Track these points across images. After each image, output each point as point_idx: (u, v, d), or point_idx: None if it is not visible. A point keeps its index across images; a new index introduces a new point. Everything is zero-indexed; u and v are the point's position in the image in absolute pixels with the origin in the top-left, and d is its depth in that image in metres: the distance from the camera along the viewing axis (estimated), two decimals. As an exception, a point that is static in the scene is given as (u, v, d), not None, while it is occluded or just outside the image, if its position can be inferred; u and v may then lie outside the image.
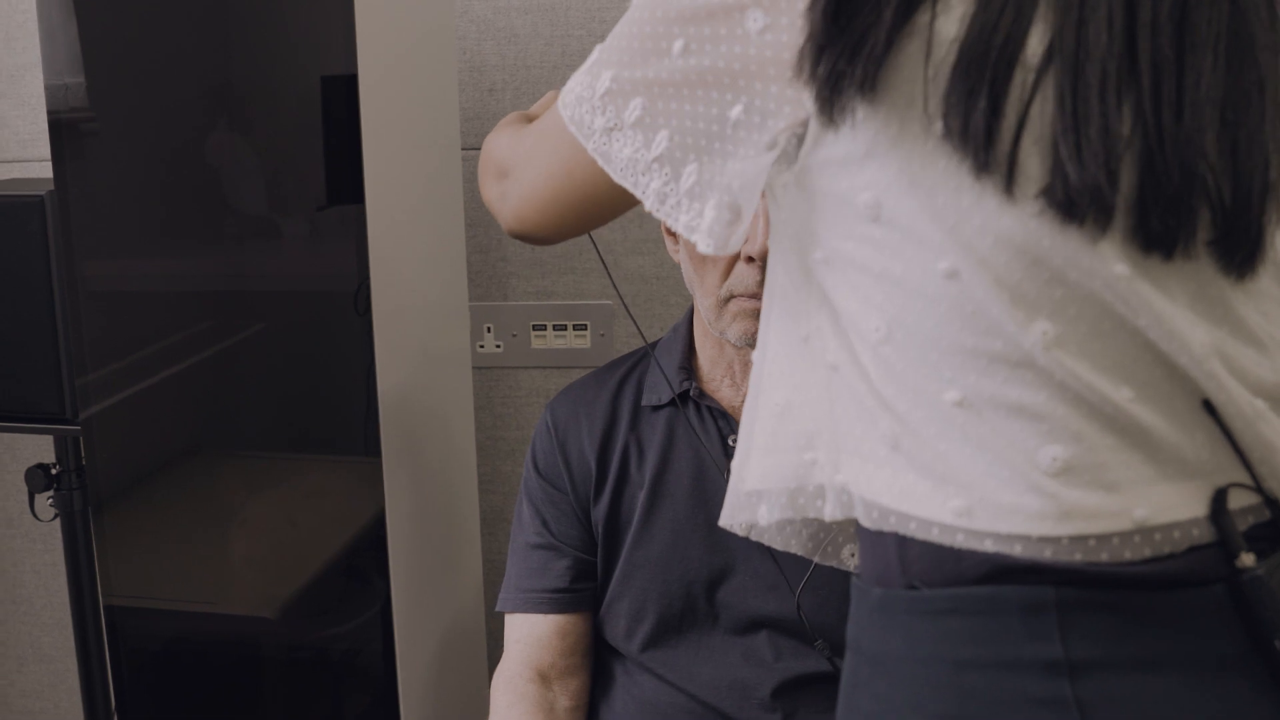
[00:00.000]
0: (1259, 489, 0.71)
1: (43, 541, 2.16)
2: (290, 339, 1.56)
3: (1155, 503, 0.69)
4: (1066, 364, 0.68)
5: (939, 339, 0.71)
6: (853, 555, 0.90)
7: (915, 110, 0.69)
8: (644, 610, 1.32)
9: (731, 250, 0.77)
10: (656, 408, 1.34)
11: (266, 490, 1.62)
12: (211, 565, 1.62)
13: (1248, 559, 0.68)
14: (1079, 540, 0.69)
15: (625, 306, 1.39)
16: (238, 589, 1.62)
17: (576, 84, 0.81)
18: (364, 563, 1.55)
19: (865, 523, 0.76)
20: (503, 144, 0.95)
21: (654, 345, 1.40)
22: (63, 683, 2.23)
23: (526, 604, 1.37)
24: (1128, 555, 0.69)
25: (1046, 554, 0.69)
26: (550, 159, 0.85)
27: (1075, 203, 0.66)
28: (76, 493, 1.79)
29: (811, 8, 0.70)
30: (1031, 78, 0.67)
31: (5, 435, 2.10)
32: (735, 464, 0.87)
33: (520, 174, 0.89)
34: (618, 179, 0.79)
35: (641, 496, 1.32)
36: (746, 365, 1.30)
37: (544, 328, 1.95)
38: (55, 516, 1.83)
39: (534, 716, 1.32)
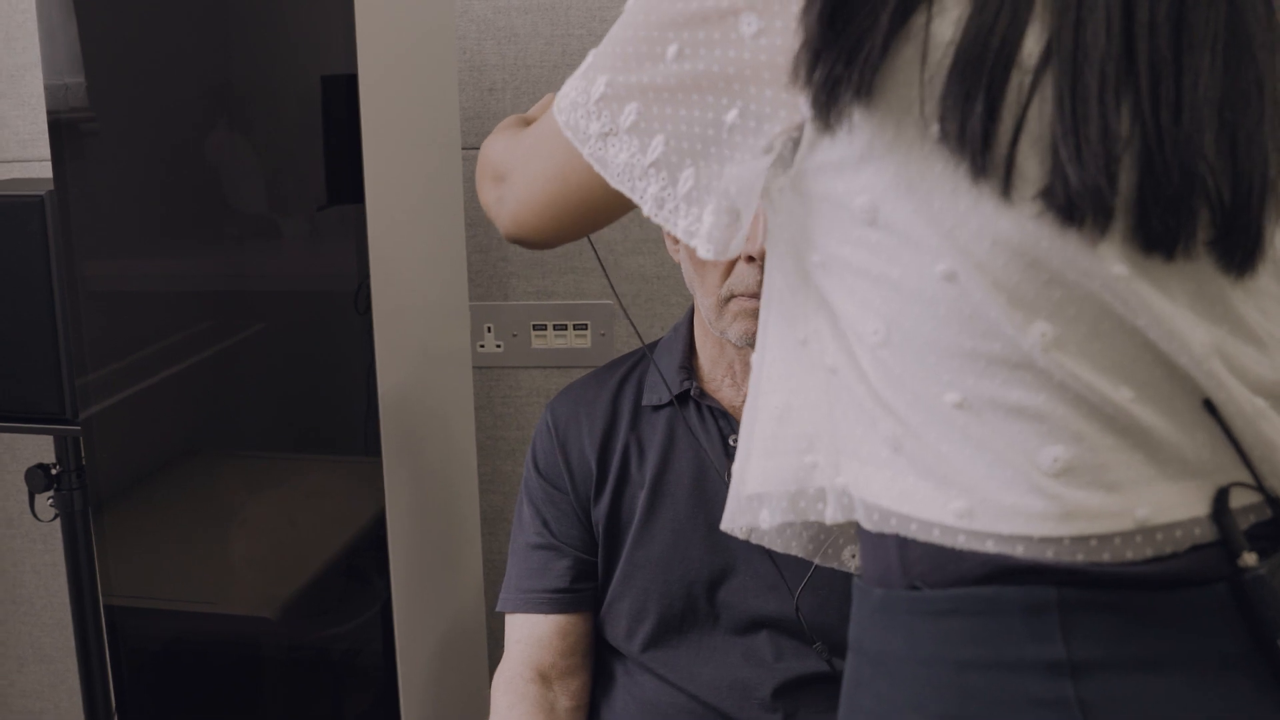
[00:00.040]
0: (1260, 488, 0.71)
1: (43, 541, 2.16)
2: (290, 339, 1.56)
3: (1157, 502, 0.69)
4: (1066, 365, 0.68)
5: (937, 342, 0.71)
6: (853, 556, 0.90)
7: (911, 114, 0.69)
8: (645, 610, 1.32)
9: (731, 255, 0.77)
10: (657, 408, 1.34)
11: (267, 490, 1.62)
12: (212, 565, 1.62)
13: (1250, 558, 0.68)
14: (1081, 540, 0.69)
15: (623, 308, 1.39)
16: (238, 589, 1.62)
17: (571, 89, 0.81)
18: (364, 563, 1.55)
19: (866, 525, 0.76)
20: (499, 148, 0.95)
21: (653, 346, 1.40)
22: (63, 683, 2.23)
23: (527, 604, 1.37)
24: (1130, 555, 0.69)
25: (1048, 554, 0.69)
26: (546, 164, 0.85)
27: (1075, 205, 0.66)
28: (77, 493, 1.79)
29: (806, 13, 0.70)
30: (1029, 80, 0.67)
31: (5, 435, 2.10)
32: (736, 467, 0.87)
33: (517, 178, 0.89)
34: (614, 184, 0.79)
35: (642, 496, 1.32)
36: (747, 365, 1.30)
37: (544, 327, 1.95)
38: (55, 516, 1.83)
39: (535, 717, 1.32)
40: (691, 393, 1.32)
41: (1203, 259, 0.70)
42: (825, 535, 0.89)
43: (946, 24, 0.68)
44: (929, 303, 0.70)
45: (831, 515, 0.79)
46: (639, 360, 1.41)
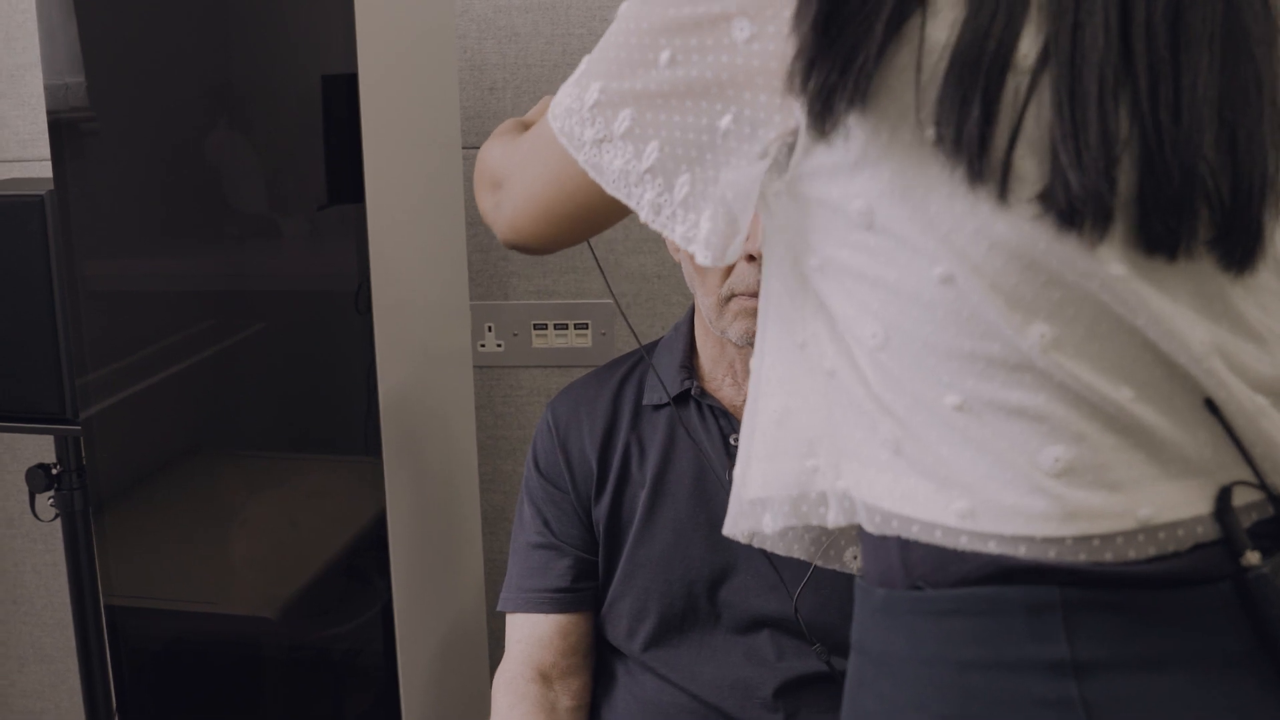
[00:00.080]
0: (1262, 485, 0.71)
1: (43, 541, 2.16)
2: (290, 339, 1.56)
3: (1159, 502, 0.69)
4: (1065, 365, 0.68)
5: (936, 344, 0.71)
6: (855, 558, 0.90)
7: (907, 118, 0.69)
8: (646, 610, 1.32)
9: (729, 260, 0.77)
10: (658, 407, 1.34)
11: (267, 490, 1.62)
12: (212, 565, 1.62)
13: (1253, 557, 0.68)
14: (1083, 541, 0.68)
15: (620, 309, 1.39)
16: (238, 589, 1.62)
17: (565, 95, 0.81)
18: (365, 562, 1.55)
19: (868, 528, 0.76)
20: (496, 154, 0.95)
21: (652, 347, 1.39)
22: (64, 683, 2.23)
23: (528, 604, 1.36)
24: (1132, 555, 0.69)
25: (1050, 555, 0.69)
26: (542, 170, 0.85)
27: (1076, 210, 0.66)
28: (77, 493, 1.79)
29: (800, 21, 0.70)
30: (1025, 82, 0.67)
31: (6, 435, 2.10)
32: (737, 472, 0.87)
33: (513, 185, 0.89)
34: (610, 191, 0.79)
35: (643, 496, 1.31)
36: (748, 364, 1.30)
37: (545, 327, 1.95)
38: (56, 516, 1.83)
39: (536, 716, 1.32)
40: (692, 392, 1.32)
41: (1203, 258, 0.70)
42: (827, 537, 0.89)
43: (941, 27, 0.67)
44: (927, 305, 0.70)
45: (833, 519, 0.79)
46: (640, 359, 1.40)
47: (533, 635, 1.36)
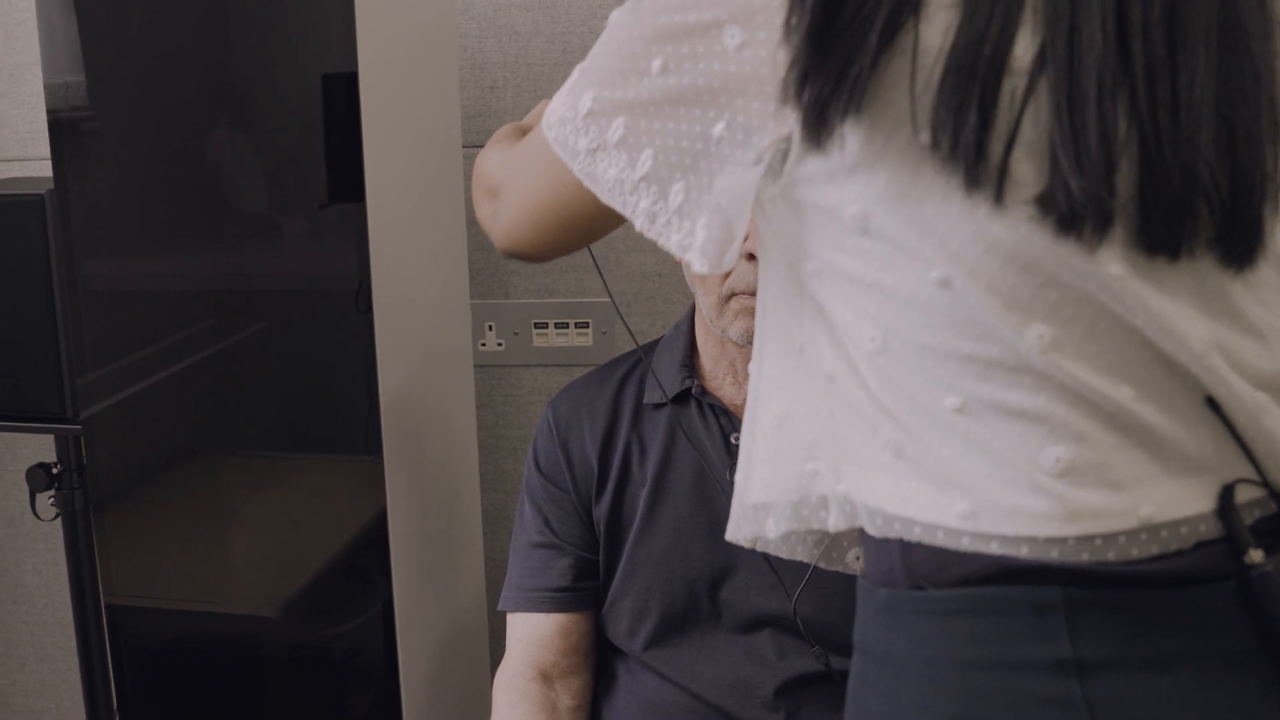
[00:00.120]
0: (1264, 483, 0.71)
1: (44, 541, 2.16)
2: (291, 338, 1.56)
3: (1161, 500, 0.69)
4: (1064, 366, 0.68)
5: (935, 347, 0.71)
6: (858, 559, 0.90)
7: (902, 123, 0.68)
8: (646, 609, 1.31)
9: (725, 268, 0.77)
10: (658, 406, 1.34)
11: (268, 489, 1.62)
12: (213, 564, 1.61)
13: (1256, 555, 0.68)
14: (1085, 540, 0.68)
15: (618, 310, 1.38)
16: (239, 588, 1.62)
17: (559, 104, 0.80)
18: (365, 562, 1.55)
19: (870, 530, 0.76)
20: (492, 163, 0.94)
21: (652, 346, 1.39)
22: (64, 682, 2.23)
23: (528, 603, 1.36)
24: (1135, 554, 0.68)
25: (1053, 555, 0.69)
26: (537, 180, 0.85)
27: (1077, 214, 0.66)
28: (78, 492, 1.79)
29: (793, 31, 0.69)
30: (1022, 87, 0.66)
31: (6, 435, 2.10)
32: (738, 477, 0.87)
33: (510, 194, 0.89)
34: (605, 200, 0.79)
35: (643, 495, 1.31)
36: (749, 363, 1.30)
37: (546, 326, 1.94)
38: (56, 516, 1.83)
39: (536, 716, 1.32)
40: (693, 391, 1.32)
41: (1204, 256, 0.70)
42: (829, 539, 0.89)
43: (935, 33, 0.67)
44: (925, 309, 0.70)
45: (834, 523, 0.79)
46: (640, 359, 1.40)
47: (533, 635, 1.36)
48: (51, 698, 2.25)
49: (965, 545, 0.70)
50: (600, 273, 1.35)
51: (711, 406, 1.31)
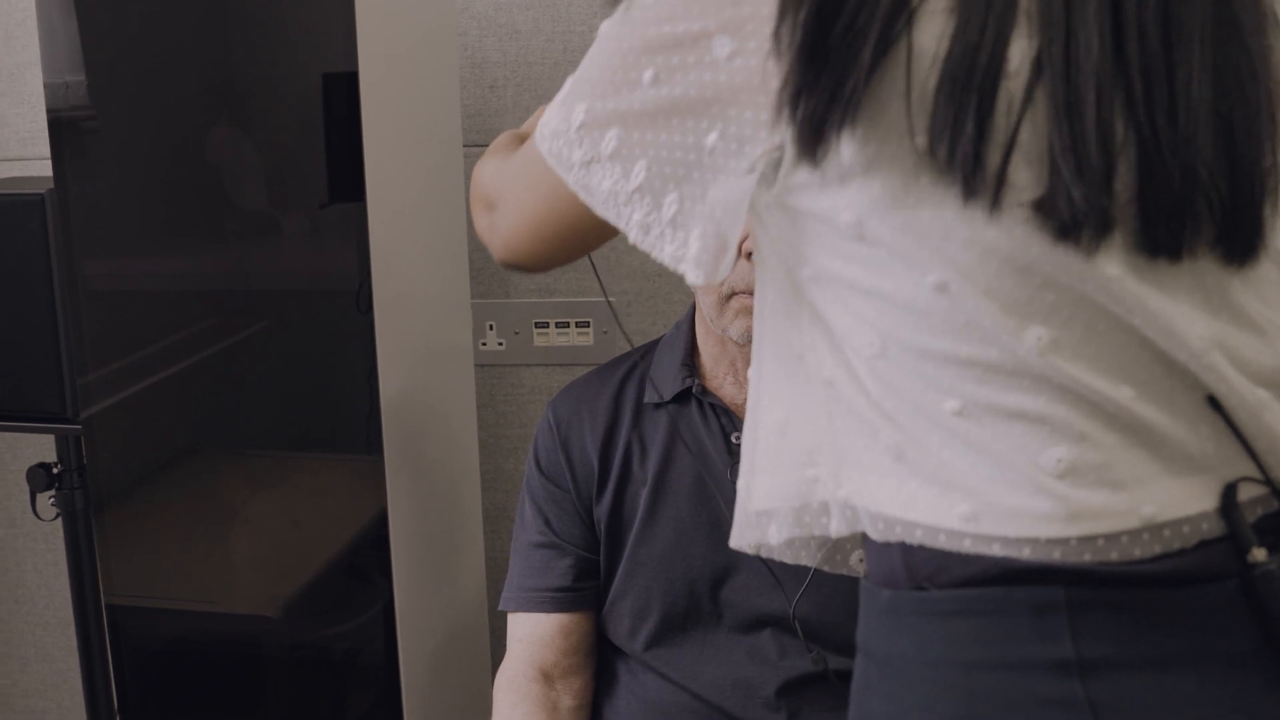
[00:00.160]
0: (1267, 480, 0.71)
1: (45, 541, 2.16)
2: (292, 337, 1.56)
3: (1163, 499, 0.69)
4: (1063, 368, 0.68)
5: (933, 352, 0.70)
6: (861, 561, 0.90)
7: (896, 132, 0.68)
8: (647, 609, 1.31)
9: (719, 279, 0.77)
10: (659, 405, 1.33)
11: (268, 489, 1.62)
12: (213, 564, 1.61)
13: (1259, 554, 0.68)
14: (1088, 540, 0.68)
15: (613, 311, 1.38)
16: (240, 588, 1.62)
17: (552, 117, 0.80)
18: (366, 561, 1.55)
19: (872, 534, 0.76)
20: (489, 174, 0.94)
21: (652, 346, 1.39)
22: (65, 682, 2.23)
23: (529, 603, 1.36)
24: (1137, 553, 0.68)
25: (1055, 555, 0.68)
26: (533, 192, 0.85)
27: (1079, 222, 0.66)
28: (78, 492, 1.79)
29: (784, 47, 0.69)
30: (1020, 95, 0.66)
31: (7, 435, 2.10)
32: (741, 484, 0.87)
33: (506, 207, 0.89)
34: (600, 212, 0.78)
35: (644, 494, 1.31)
36: (749, 362, 1.29)
37: (546, 325, 1.94)
38: (57, 516, 1.83)
39: (537, 716, 1.32)
40: (694, 390, 1.32)
41: (1205, 256, 0.70)
42: (832, 543, 0.89)
43: (928, 40, 0.67)
44: (922, 314, 0.70)
45: (836, 528, 0.79)
46: (641, 358, 1.40)
47: (534, 634, 1.35)
48: (52, 697, 2.25)
49: (967, 547, 0.70)
50: (597, 273, 1.35)
51: (712, 406, 1.31)
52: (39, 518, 1.86)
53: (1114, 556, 0.68)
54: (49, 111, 1.52)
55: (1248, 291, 0.71)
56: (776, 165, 0.73)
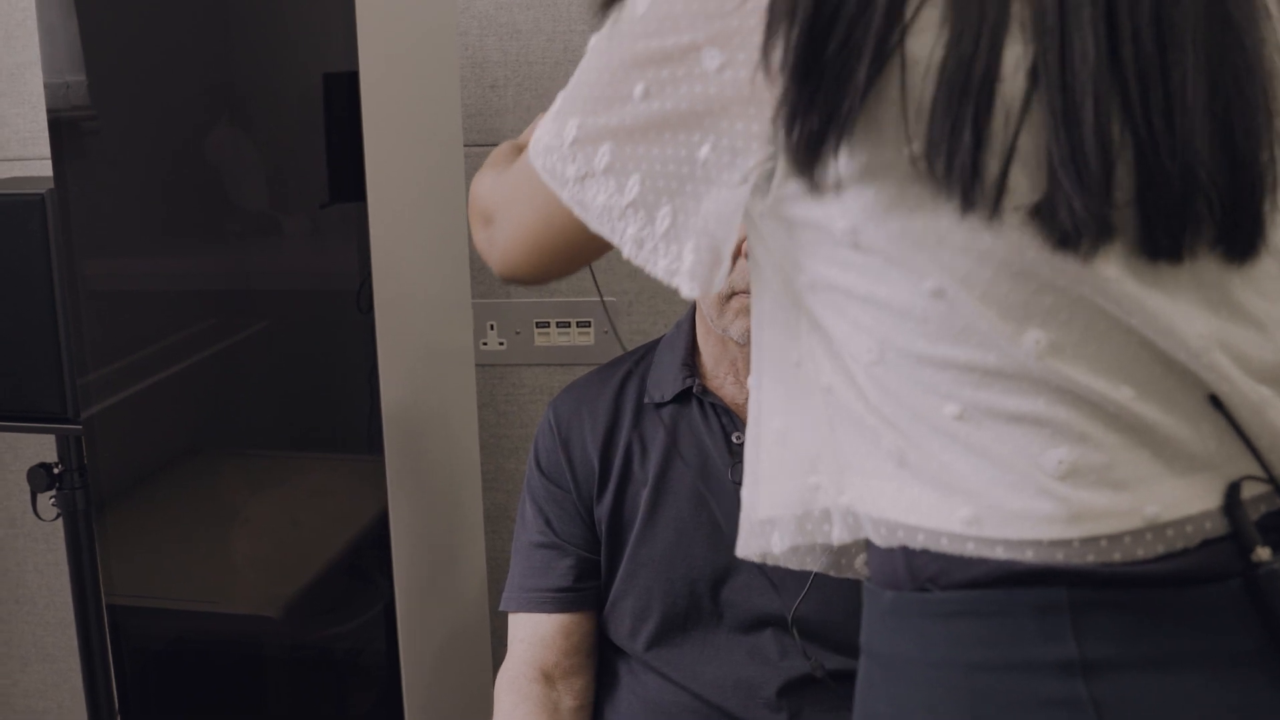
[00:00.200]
0: (1270, 478, 0.70)
1: (45, 541, 2.16)
2: (292, 337, 1.56)
3: (1165, 499, 0.69)
4: (1062, 370, 0.68)
5: (931, 357, 0.70)
6: (866, 564, 0.90)
7: (891, 142, 0.68)
8: (648, 609, 1.31)
9: (715, 290, 0.77)
10: (659, 405, 1.33)
11: (269, 489, 1.61)
12: (214, 564, 1.61)
13: (1263, 553, 0.68)
14: (1090, 542, 0.68)
15: (608, 313, 1.37)
16: (240, 588, 1.62)
17: (545, 133, 0.80)
18: (367, 561, 1.55)
19: (875, 540, 0.76)
20: (486, 189, 0.94)
21: (653, 345, 1.39)
22: (66, 682, 2.23)
23: (530, 603, 1.36)
24: (1140, 554, 0.68)
25: (1058, 557, 0.68)
26: (528, 208, 0.85)
27: (1080, 231, 0.66)
28: (79, 492, 1.79)
29: (778, 66, 0.69)
30: (1017, 105, 0.66)
31: (7, 435, 2.10)
32: (745, 493, 0.87)
33: (503, 222, 0.89)
34: (594, 227, 0.78)
35: (645, 494, 1.31)
36: (749, 362, 1.29)
37: (547, 325, 1.94)
38: (58, 516, 1.82)
39: (538, 716, 1.32)
40: (694, 390, 1.31)
41: (1205, 255, 0.70)
42: (838, 548, 0.89)
43: (922, 53, 0.66)
44: (920, 320, 0.70)
45: (838, 535, 0.79)
46: (641, 358, 1.40)
47: (535, 635, 1.35)
48: (53, 698, 2.25)
49: (970, 551, 0.70)
50: (593, 273, 1.34)
51: (713, 406, 1.31)
52: (40, 518, 1.86)
53: (1117, 557, 0.68)
54: (49, 111, 1.52)
55: (1247, 288, 0.71)
56: (769, 176, 0.73)
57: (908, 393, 0.72)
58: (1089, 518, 0.68)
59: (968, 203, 0.67)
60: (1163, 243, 0.68)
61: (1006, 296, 0.68)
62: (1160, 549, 0.68)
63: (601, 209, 0.77)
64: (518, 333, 1.95)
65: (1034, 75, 0.66)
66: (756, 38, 0.69)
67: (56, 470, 1.80)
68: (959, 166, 0.66)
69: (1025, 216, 0.67)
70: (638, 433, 1.33)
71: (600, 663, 1.39)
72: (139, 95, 1.51)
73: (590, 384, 1.40)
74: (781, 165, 0.71)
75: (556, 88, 0.82)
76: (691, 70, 0.72)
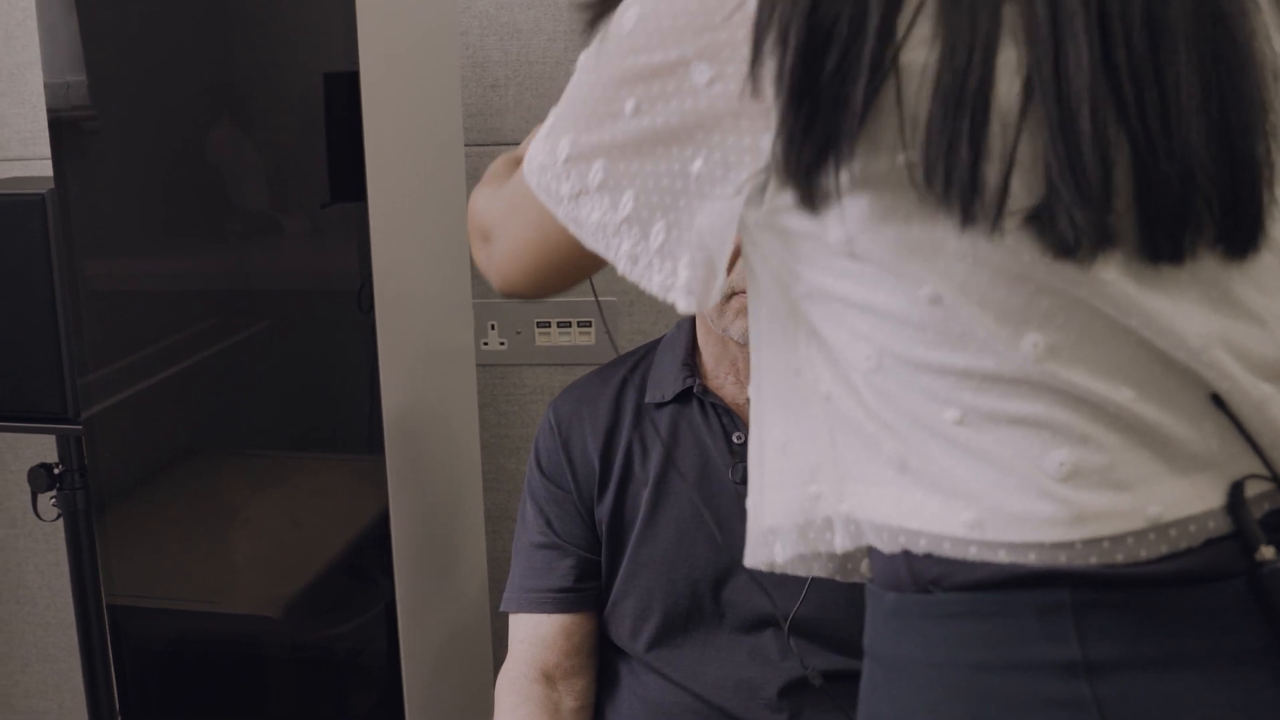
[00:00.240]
0: (1273, 476, 0.70)
1: (46, 541, 2.16)
2: (293, 337, 1.55)
3: (1168, 499, 0.69)
4: (1061, 373, 0.68)
5: (930, 363, 0.70)
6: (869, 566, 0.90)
7: (886, 151, 0.68)
8: (649, 609, 1.31)
9: (711, 304, 0.77)
10: (660, 405, 1.33)
11: (269, 489, 1.61)
12: (215, 564, 1.61)
13: (1268, 552, 0.68)
14: (1093, 543, 0.68)
15: (603, 315, 1.36)
16: (241, 588, 1.61)
17: (538, 151, 0.80)
18: (367, 562, 1.55)
19: (878, 546, 0.76)
20: (482, 205, 0.95)
21: (654, 345, 1.39)
22: (67, 683, 2.23)
23: (531, 604, 1.36)
24: (1143, 554, 0.68)
25: (1061, 560, 0.68)
26: (524, 226, 0.85)
27: (1081, 241, 0.66)
28: (79, 492, 1.79)
29: (772, 95, 0.69)
30: (1014, 119, 0.66)
31: (8, 435, 2.09)
32: (750, 502, 0.87)
33: (500, 240, 0.89)
34: (589, 244, 0.78)
35: (645, 494, 1.31)
36: (750, 362, 1.29)
37: (548, 325, 1.94)
38: (58, 516, 1.82)
39: (539, 717, 1.32)
40: (695, 390, 1.31)
41: (1205, 255, 0.69)
42: (844, 554, 0.89)
43: (916, 68, 0.66)
44: (917, 327, 0.70)
45: (840, 543, 0.79)
46: (642, 358, 1.40)
47: (536, 635, 1.35)
48: (54, 698, 2.25)
49: (972, 555, 0.70)
50: (590, 277, 1.34)
51: (713, 405, 1.30)
52: (40, 518, 1.86)
53: (1120, 559, 0.68)
54: (49, 111, 1.52)
55: (1247, 283, 0.71)
56: (763, 188, 0.73)
57: (907, 399, 0.72)
58: (1091, 519, 0.68)
59: (968, 218, 0.66)
60: (1164, 246, 0.68)
61: (1003, 301, 0.68)
62: (1164, 549, 0.68)
63: (596, 226, 0.77)
64: (518, 333, 1.95)
65: (1029, 86, 0.65)
66: (745, 50, 0.69)
67: (57, 470, 1.79)
68: (958, 182, 0.66)
69: (1021, 222, 0.66)
70: (638, 433, 1.33)
71: (601, 663, 1.39)
72: (139, 95, 1.51)
73: (591, 384, 1.40)
74: (775, 177, 0.71)
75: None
76: (681, 85, 0.72)
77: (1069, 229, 0.65)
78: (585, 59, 0.78)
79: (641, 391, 1.35)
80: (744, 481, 1.26)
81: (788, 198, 0.71)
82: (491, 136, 1.89)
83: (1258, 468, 0.70)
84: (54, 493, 1.80)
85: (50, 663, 2.23)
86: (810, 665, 1.25)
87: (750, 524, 0.87)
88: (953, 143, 0.66)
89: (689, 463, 1.30)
